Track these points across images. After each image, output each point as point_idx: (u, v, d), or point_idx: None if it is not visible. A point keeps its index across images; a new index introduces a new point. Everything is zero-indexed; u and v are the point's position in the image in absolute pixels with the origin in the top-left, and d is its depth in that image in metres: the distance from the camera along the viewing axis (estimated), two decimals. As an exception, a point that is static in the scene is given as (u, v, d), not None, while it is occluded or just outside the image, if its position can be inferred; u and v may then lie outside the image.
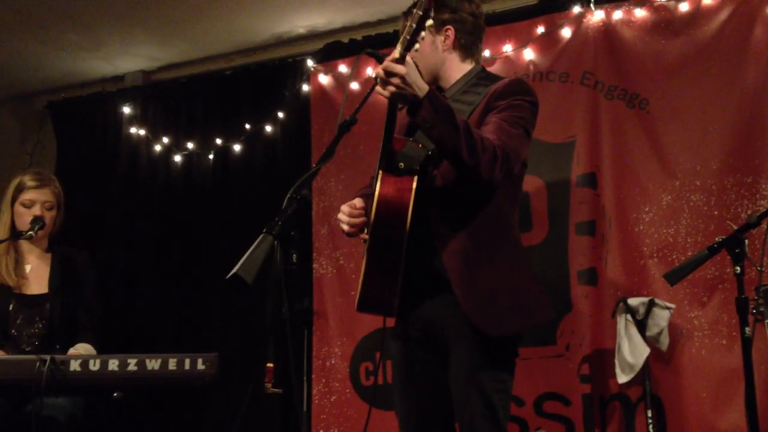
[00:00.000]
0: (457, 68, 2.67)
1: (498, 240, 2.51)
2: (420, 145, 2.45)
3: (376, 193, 2.34)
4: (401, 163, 2.38)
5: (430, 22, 2.15)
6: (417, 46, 2.22)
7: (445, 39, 2.67)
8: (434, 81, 2.68)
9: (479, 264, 2.44)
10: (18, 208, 3.77)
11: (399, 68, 2.21)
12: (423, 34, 2.18)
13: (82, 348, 3.63)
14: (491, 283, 2.44)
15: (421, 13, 2.15)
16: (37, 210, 3.76)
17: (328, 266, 4.62)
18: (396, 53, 2.21)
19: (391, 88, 2.22)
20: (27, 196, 3.78)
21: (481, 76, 2.66)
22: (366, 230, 2.56)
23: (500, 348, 2.47)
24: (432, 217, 2.43)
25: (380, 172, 2.36)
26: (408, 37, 2.19)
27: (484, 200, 2.49)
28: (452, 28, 2.67)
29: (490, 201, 2.50)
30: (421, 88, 2.25)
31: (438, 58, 2.66)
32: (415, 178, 2.38)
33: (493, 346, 2.44)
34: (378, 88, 2.26)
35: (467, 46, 2.69)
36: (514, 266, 2.53)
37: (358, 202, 2.62)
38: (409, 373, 2.61)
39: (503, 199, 2.54)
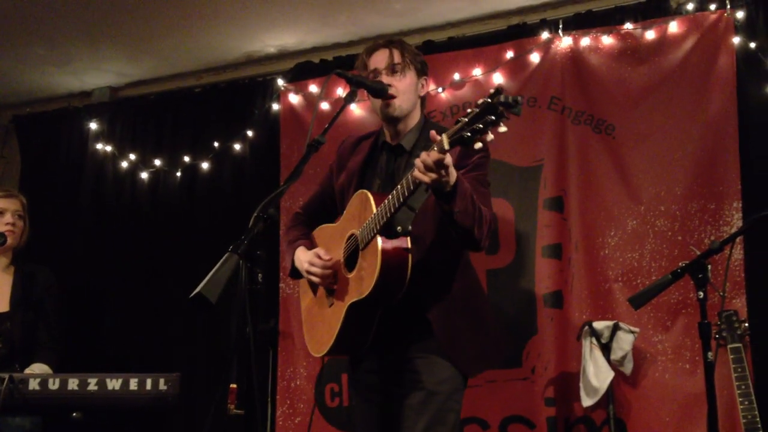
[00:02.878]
0: (416, 115, 2.76)
1: (468, 285, 2.69)
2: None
3: (379, 258, 2.39)
4: (399, 227, 2.45)
5: (503, 129, 2.09)
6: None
7: (422, 86, 2.78)
8: (401, 118, 2.73)
9: (456, 313, 2.61)
10: None
11: (449, 160, 2.23)
12: (488, 136, 2.09)
13: (38, 368, 3.56)
14: (467, 331, 2.63)
15: (493, 117, 2.06)
16: (9, 218, 3.75)
17: (295, 287, 4.59)
18: (445, 144, 2.18)
19: (434, 177, 2.24)
20: None
21: (429, 128, 2.69)
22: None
23: (464, 381, 2.67)
24: (415, 271, 2.48)
25: (378, 237, 2.42)
26: (467, 134, 2.10)
27: (457, 252, 2.65)
28: (427, 80, 2.80)
29: (460, 252, 2.66)
30: (454, 175, 2.30)
31: (415, 99, 2.75)
32: (409, 238, 2.46)
33: (457, 372, 2.63)
34: (418, 173, 2.25)
35: (424, 102, 2.82)
36: (482, 312, 2.73)
37: (323, 253, 2.67)
38: (374, 402, 2.70)
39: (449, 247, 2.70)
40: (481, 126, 2.08)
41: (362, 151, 2.82)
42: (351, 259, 2.58)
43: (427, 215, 2.52)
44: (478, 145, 2.11)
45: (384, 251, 2.39)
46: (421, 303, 2.56)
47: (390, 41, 2.75)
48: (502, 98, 2.04)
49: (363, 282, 2.46)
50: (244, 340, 2.08)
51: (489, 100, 2.06)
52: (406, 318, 2.58)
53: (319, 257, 2.65)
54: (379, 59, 2.71)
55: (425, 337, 2.57)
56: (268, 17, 4.60)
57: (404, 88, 2.68)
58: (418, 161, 2.25)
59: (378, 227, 2.41)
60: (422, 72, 2.76)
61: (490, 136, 2.09)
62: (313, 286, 2.80)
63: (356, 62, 2.82)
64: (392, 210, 2.37)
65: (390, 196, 2.39)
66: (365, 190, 2.57)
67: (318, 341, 2.72)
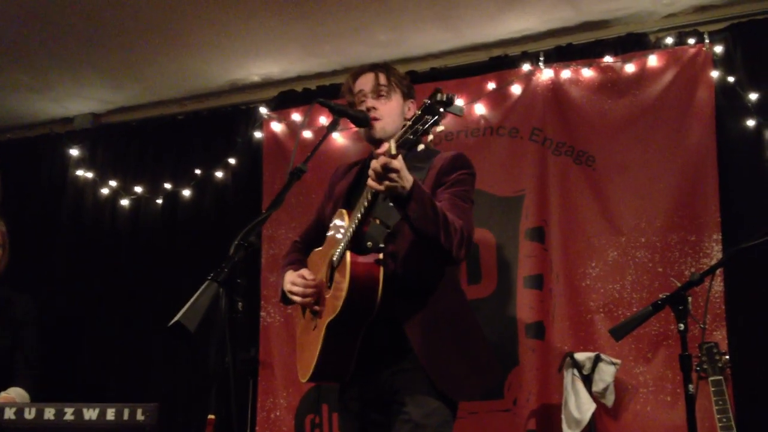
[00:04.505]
0: None
1: (453, 307, 2.64)
2: (378, 221, 2.52)
3: (348, 272, 2.38)
4: (369, 243, 2.46)
5: (440, 128, 2.18)
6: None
7: (408, 109, 2.79)
8: (385, 140, 2.72)
9: (439, 333, 2.56)
10: None
11: (397, 164, 2.23)
12: (428, 137, 2.19)
13: (14, 392, 3.51)
14: (451, 352, 2.56)
15: (433, 118, 2.15)
16: None
17: (276, 315, 4.57)
18: (392, 149, 2.21)
19: (388, 183, 2.25)
20: None
21: (415, 150, 2.72)
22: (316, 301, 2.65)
23: (451, 405, 2.59)
24: (393, 289, 2.48)
25: (348, 252, 2.41)
26: (410, 137, 2.19)
27: (439, 270, 2.61)
28: (414, 104, 2.81)
29: (443, 270, 2.62)
30: (409, 180, 2.30)
31: (400, 121, 2.73)
32: (381, 255, 2.46)
33: (445, 404, 2.56)
34: (370, 181, 2.27)
35: None
36: (469, 332, 2.66)
37: (307, 273, 2.66)
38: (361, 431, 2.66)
39: (453, 266, 2.67)
40: (421, 127, 2.16)
41: (349, 176, 2.84)
42: (331, 279, 2.57)
43: (404, 232, 2.51)
44: (420, 146, 2.22)
45: (352, 266, 2.39)
46: (400, 322, 2.52)
47: (376, 65, 2.77)
48: (438, 97, 2.13)
49: (336, 300, 2.45)
50: (223, 370, 2.06)
51: (428, 101, 2.15)
52: (387, 339, 2.54)
53: (303, 277, 2.64)
54: (365, 82, 2.73)
55: (408, 360, 2.53)
56: (252, 46, 4.62)
57: (388, 110, 2.70)
58: (369, 170, 2.26)
59: (347, 243, 2.42)
60: (408, 95, 2.78)
61: (430, 137, 2.19)
62: (302, 310, 2.78)
63: (342, 86, 2.83)
64: (356, 223, 2.39)
65: (356, 212, 2.41)
66: (342, 209, 2.58)
67: (304, 365, 2.68)
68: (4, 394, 3.46)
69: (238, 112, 5.03)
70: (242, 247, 2.11)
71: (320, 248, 2.76)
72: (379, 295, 2.42)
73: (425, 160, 2.68)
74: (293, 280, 2.66)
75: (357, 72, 2.78)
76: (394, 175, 2.24)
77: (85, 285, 5.12)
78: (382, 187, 2.25)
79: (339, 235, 2.55)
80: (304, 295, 2.63)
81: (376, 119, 2.68)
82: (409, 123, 2.19)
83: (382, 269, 2.43)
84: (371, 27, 4.39)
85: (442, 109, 2.14)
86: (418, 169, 2.63)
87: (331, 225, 2.67)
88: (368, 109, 2.68)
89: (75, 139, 5.38)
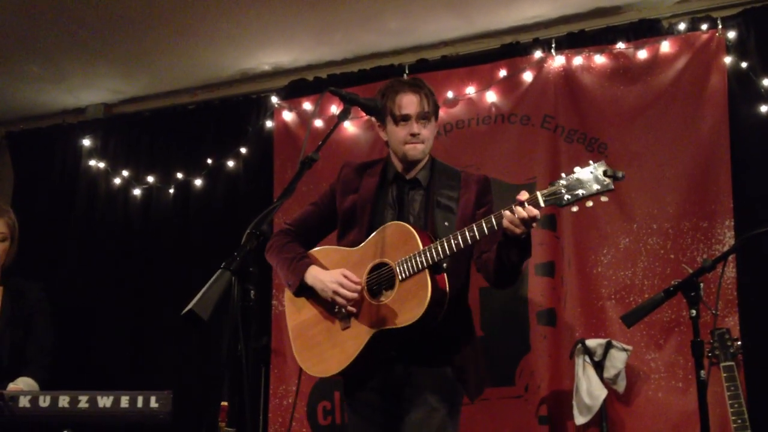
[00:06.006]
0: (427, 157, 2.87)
1: (470, 320, 2.82)
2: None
3: (430, 291, 2.50)
4: (444, 264, 2.56)
5: (604, 199, 2.33)
6: None
7: (437, 131, 2.89)
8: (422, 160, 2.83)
9: (463, 342, 2.73)
10: None
11: (539, 214, 2.40)
12: (587, 202, 2.34)
13: (22, 382, 3.53)
14: (473, 360, 2.74)
15: (603, 188, 2.32)
16: None
17: (288, 303, 4.58)
18: (540, 201, 2.38)
19: (525, 229, 2.42)
20: None
21: (438, 167, 2.86)
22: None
23: (461, 395, 2.76)
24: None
25: (428, 271, 2.52)
26: (565, 196, 2.34)
27: (466, 286, 2.81)
28: (437, 121, 2.90)
29: (467, 287, 2.83)
30: None
31: (432, 143, 2.84)
32: (446, 275, 2.59)
33: (456, 392, 2.72)
34: (510, 224, 2.40)
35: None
36: (478, 342, 2.83)
37: (352, 275, 2.68)
38: (374, 421, 2.73)
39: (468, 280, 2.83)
40: (583, 193, 2.32)
41: (373, 179, 2.86)
42: (378, 287, 2.63)
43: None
44: (575, 208, 2.36)
45: (434, 287, 2.50)
46: (443, 333, 2.63)
47: (416, 85, 2.80)
48: (609, 171, 2.30)
49: (403, 313, 2.53)
50: (236, 358, 2.07)
51: (598, 170, 2.31)
52: (426, 347, 2.64)
53: (350, 279, 2.67)
54: (409, 104, 2.76)
55: (435, 363, 2.66)
56: (263, 35, 4.62)
57: (429, 134, 2.79)
58: (509, 214, 2.39)
59: (430, 263, 2.52)
60: (438, 114, 2.87)
61: (590, 203, 2.33)
62: (319, 305, 2.78)
63: (380, 98, 2.81)
64: (454, 249, 2.50)
65: (453, 237, 2.50)
66: (405, 224, 2.65)
67: (324, 363, 2.73)
68: (11, 385, 3.49)
69: (249, 102, 5.04)
70: (254, 235, 2.12)
71: (344, 249, 2.78)
72: (443, 314, 2.55)
73: (453, 177, 2.80)
74: (340, 281, 2.67)
75: (397, 88, 2.79)
76: (534, 224, 2.41)
77: (98, 274, 5.15)
78: (519, 231, 2.41)
79: (401, 248, 2.59)
80: (352, 299, 2.66)
81: (419, 143, 2.76)
82: (564, 183, 2.35)
83: (448, 293, 2.56)
84: (382, 15, 4.38)
85: (609, 181, 2.30)
86: (451, 187, 2.76)
87: (379, 231, 2.69)
88: (413, 135, 2.75)
89: (87, 130, 5.41)
